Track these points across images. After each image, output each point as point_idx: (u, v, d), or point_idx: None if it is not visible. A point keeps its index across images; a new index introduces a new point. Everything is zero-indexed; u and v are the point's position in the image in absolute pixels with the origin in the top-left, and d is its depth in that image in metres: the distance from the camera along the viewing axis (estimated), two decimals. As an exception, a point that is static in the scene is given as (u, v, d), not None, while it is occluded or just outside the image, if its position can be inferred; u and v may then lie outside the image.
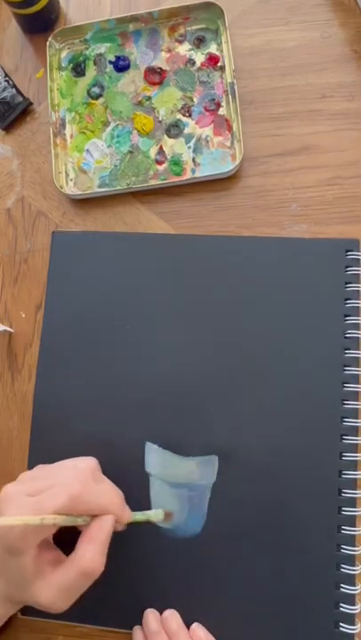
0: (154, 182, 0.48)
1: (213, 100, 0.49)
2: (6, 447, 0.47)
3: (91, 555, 0.33)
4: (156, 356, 0.44)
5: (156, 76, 0.50)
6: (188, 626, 0.40)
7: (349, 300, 0.43)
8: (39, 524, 0.31)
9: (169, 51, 0.51)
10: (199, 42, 0.50)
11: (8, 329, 0.48)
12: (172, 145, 0.49)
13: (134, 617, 0.41)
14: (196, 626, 0.40)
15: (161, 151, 0.49)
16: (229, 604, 0.40)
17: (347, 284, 0.43)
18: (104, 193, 0.49)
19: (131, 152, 0.49)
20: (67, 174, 0.50)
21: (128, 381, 0.44)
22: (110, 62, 0.51)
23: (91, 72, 0.52)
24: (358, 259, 0.43)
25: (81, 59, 0.52)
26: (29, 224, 0.51)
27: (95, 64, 0.52)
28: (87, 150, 0.50)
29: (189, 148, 0.49)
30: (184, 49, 0.50)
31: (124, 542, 0.42)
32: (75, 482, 0.33)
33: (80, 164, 0.50)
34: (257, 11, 0.50)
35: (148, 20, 0.51)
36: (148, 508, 0.42)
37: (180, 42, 0.51)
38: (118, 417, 0.44)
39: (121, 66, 0.51)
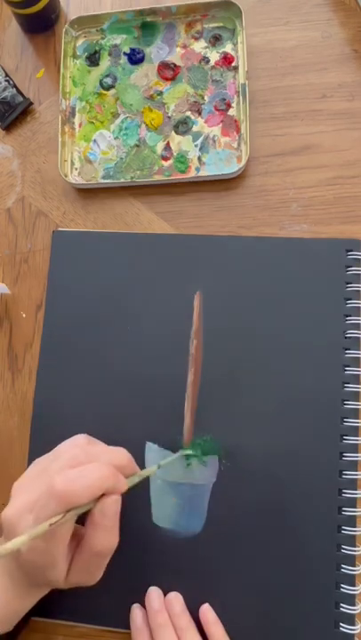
0: (158, 178, 0.48)
1: (224, 99, 0.49)
2: (6, 447, 0.47)
3: (98, 539, 0.33)
4: (157, 356, 0.44)
5: (169, 72, 0.50)
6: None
7: (350, 300, 0.43)
8: (34, 536, 0.30)
9: (184, 47, 0.51)
10: (215, 40, 0.50)
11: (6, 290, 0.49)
12: (179, 142, 0.49)
13: (134, 617, 0.41)
14: (206, 607, 0.40)
15: (167, 147, 0.49)
16: (229, 603, 0.40)
17: (347, 283, 0.43)
18: (108, 185, 0.49)
19: (137, 146, 0.50)
20: (72, 163, 0.50)
21: (128, 381, 0.44)
22: (125, 54, 0.51)
23: (105, 62, 0.52)
24: (359, 258, 0.43)
25: (96, 48, 0.52)
26: (30, 224, 0.51)
27: (110, 55, 0.52)
28: (94, 140, 0.50)
29: (196, 146, 0.49)
30: (200, 46, 0.50)
31: (124, 542, 0.42)
32: (57, 480, 0.31)
33: (86, 154, 0.50)
34: (257, 11, 0.50)
35: (167, 14, 0.51)
36: (148, 508, 0.42)
37: (197, 39, 0.51)
38: (118, 417, 0.44)
39: (135, 59, 0.51)
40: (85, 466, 0.33)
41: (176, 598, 0.40)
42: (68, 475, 0.32)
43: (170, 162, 0.49)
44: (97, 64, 0.52)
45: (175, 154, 0.49)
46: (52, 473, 0.33)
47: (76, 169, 0.50)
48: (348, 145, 0.47)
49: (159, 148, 0.49)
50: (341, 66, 0.48)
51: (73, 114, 0.51)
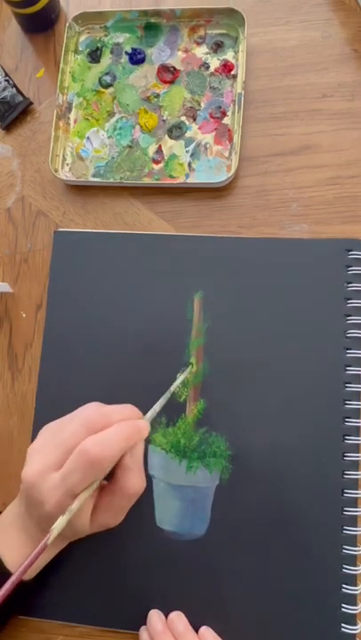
0: (147, 180, 0.48)
1: (220, 107, 0.49)
2: (6, 447, 0.47)
3: (131, 481, 0.35)
4: (157, 357, 0.44)
5: (168, 75, 0.50)
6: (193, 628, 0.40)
7: (351, 299, 0.43)
8: (72, 515, 0.32)
9: (186, 51, 0.51)
10: (217, 47, 0.50)
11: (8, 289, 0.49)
12: (171, 146, 0.49)
13: (135, 618, 0.41)
14: (205, 629, 0.39)
15: (159, 151, 0.49)
16: (233, 605, 0.40)
17: (348, 283, 0.43)
18: (97, 183, 0.49)
19: (130, 147, 0.49)
20: (64, 158, 0.50)
21: (129, 382, 0.44)
22: (127, 53, 0.51)
23: (106, 60, 0.52)
24: (359, 258, 0.43)
25: (98, 45, 0.52)
26: (30, 224, 0.51)
27: (112, 53, 0.52)
28: (88, 138, 0.50)
29: (188, 151, 0.48)
30: (201, 51, 0.50)
31: (126, 543, 0.42)
32: (88, 446, 0.33)
33: (79, 150, 0.50)
34: (257, 10, 0.50)
35: (171, 16, 0.51)
36: (152, 511, 0.42)
37: (199, 44, 0.50)
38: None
39: (136, 59, 0.51)
40: (108, 430, 0.34)
41: (178, 618, 0.40)
42: (96, 439, 0.33)
43: (160, 165, 0.49)
44: (98, 61, 0.52)
45: (166, 158, 0.49)
46: (69, 435, 0.34)
47: (67, 164, 0.50)
48: (348, 145, 0.47)
49: (151, 150, 0.49)
50: (341, 66, 0.48)
51: (69, 109, 0.51)
